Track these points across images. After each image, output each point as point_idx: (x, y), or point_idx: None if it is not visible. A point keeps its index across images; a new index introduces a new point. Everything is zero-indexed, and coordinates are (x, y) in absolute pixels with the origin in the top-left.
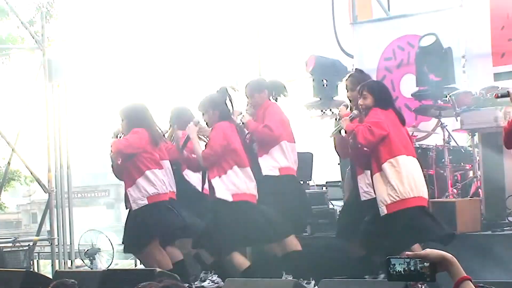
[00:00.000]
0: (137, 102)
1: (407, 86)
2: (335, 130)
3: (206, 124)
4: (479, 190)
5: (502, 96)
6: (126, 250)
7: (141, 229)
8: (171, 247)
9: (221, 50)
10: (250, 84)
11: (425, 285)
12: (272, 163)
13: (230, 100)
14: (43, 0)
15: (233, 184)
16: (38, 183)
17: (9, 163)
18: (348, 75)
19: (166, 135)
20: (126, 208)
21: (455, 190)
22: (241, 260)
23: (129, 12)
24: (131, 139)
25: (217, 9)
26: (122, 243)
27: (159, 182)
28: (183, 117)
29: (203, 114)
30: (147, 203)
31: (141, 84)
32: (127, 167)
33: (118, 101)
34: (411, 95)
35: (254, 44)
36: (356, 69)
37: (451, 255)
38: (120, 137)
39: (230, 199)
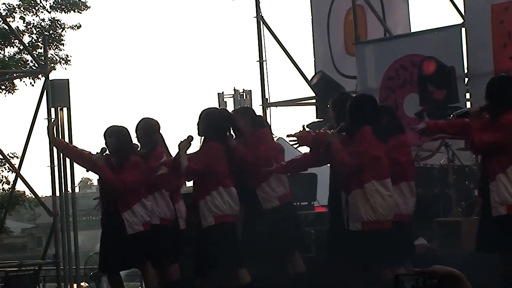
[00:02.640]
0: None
1: (411, 105)
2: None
3: (198, 133)
4: None
5: (459, 116)
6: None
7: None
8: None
9: (222, 60)
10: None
11: None
12: None
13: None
14: (45, 24)
15: (215, 207)
16: (43, 206)
17: (13, 187)
18: (334, 98)
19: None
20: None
21: (459, 209)
22: (243, 275)
23: (130, 29)
24: None
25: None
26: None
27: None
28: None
29: (198, 123)
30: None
31: (146, 102)
32: None
33: (122, 121)
34: (415, 114)
35: (259, 60)
36: (342, 92)
37: (459, 272)
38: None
39: (212, 222)
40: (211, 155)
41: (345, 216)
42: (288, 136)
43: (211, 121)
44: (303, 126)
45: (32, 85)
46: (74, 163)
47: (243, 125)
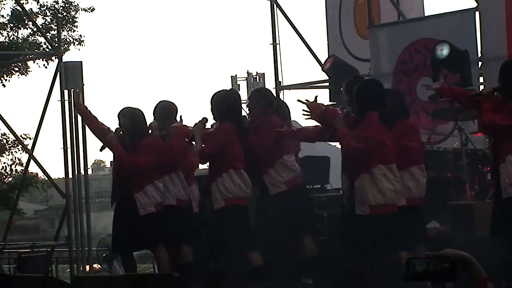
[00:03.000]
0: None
1: (424, 89)
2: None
3: (214, 118)
4: None
5: (476, 95)
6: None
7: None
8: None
9: (235, 44)
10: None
11: None
12: None
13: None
14: (59, 6)
15: (226, 189)
16: (56, 188)
17: (26, 168)
18: (347, 80)
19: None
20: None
21: (473, 193)
22: (255, 258)
23: (145, 11)
24: None
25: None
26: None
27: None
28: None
29: (211, 109)
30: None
31: (159, 84)
32: None
33: (135, 103)
34: (428, 98)
35: (272, 43)
36: (355, 75)
37: (470, 256)
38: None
39: (222, 205)
40: (222, 137)
41: (350, 201)
42: (298, 101)
43: (222, 102)
44: (316, 97)
45: (46, 67)
46: (87, 145)
47: (257, 109)
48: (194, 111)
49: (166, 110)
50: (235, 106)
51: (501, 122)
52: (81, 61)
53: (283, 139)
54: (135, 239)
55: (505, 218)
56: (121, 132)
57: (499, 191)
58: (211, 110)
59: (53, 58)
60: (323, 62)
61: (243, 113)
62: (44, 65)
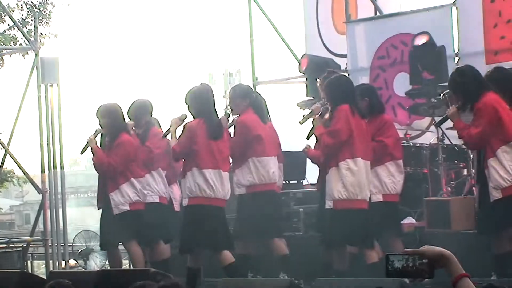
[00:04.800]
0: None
1: (401, 84)
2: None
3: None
4: (473, 188)
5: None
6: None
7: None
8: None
9: (212, 39)
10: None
11: None
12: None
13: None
14: (35, 0)
15: (187, 188)
16: (32, 184)
17: (2, 164)
18: (322, 76)
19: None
20: None
21: (449, 189)
22: (227, 257)
23: (121, 7)
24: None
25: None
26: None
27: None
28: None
29: (188, 106)
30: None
31: (135, 80)
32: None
33: (111, 99)
34: (405, 93)
35: (248, 40)
36: (328, 70)
37: (449, 252)
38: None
39: (186, 203)
40: (189, 136)
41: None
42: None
43: (195, 100)
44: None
45: (23, 59)
46: (63, 141)
47: (240, 107)
48: (172, 107)
49: (141, 108)
50: (208, 103)
51: (477, 130)
52: (58, 57)
53: (253, 142)
54: (113, 236)
55: (494, 218)
56: (101, 133)
57: (485, 189)
58: (188, 109)
59: (29, 52)
60: (299, 59)
61: (217, 109)
62: (20, 59)
